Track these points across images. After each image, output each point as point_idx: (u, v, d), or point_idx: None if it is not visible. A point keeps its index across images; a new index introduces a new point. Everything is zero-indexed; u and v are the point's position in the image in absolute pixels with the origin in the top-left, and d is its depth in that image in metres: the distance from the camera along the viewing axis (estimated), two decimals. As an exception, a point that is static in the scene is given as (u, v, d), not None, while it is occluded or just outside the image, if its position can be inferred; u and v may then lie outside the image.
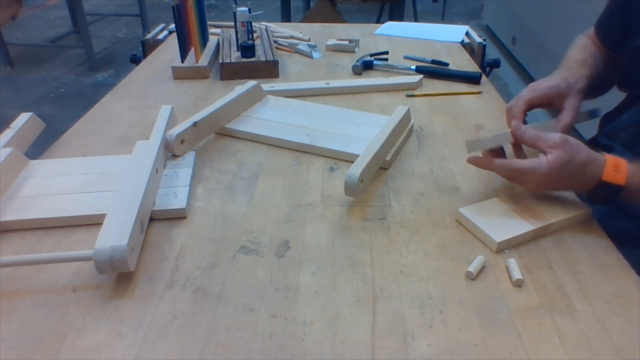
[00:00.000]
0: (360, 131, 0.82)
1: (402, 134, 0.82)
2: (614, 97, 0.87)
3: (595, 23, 0.89)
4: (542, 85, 0.77)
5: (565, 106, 0.76)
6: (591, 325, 0.50)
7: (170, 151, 0.77)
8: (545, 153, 0.60)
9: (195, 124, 0.78)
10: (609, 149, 0.80)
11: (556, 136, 0.60)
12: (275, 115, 0.89)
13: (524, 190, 0.66)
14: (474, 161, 0.66)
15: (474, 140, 0.66)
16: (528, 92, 0.77)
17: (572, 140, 0.60)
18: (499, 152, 0.67)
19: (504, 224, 0.61)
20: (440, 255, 0.59)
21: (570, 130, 0.74)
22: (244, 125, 0.86)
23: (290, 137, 0.82)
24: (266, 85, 1.01)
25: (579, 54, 0.85)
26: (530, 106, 0.77)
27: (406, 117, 0.83)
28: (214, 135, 0.86)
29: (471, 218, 0.62)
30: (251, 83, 0.92)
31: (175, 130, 0.76)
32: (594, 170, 0.60)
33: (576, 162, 0.59)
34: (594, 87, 0.82)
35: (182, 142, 0.77)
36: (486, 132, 0.88)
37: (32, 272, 0.56)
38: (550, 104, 0.78)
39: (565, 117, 0.75)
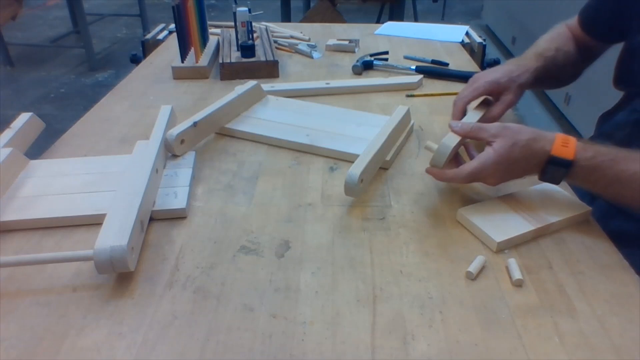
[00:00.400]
0: (360, 131, 0.82)
1: (402, 134, 0.82)
2: (612, 96, 0.87)
3: (580, 11, 0.89)
4: (482, 81, 0.78)
5: (500, 99, 0.78)
6: (591, 325, 0.50)
7: (170, 151, 0.77)
8: (490, 144, 0.61)
9: (195, 124, 0.78)
10: None
11: (495, 125, 0.62)
12: (275, 115, 0.89)
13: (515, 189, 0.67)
14: (431, 174, 0.66)
15: (435, 156, 0.65)
16: (469, 90, 0.78)
17: (511, 125, 0.62)
18: (455, 159, 0.68)
19: (504, 224, 0.61)
20: (440, 255, 0.59)
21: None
22: (244, 125, 0.86)
23: (291, 137, 0.82)
24: (266, 85, 1.01)
25: (544, 43, 0.87)
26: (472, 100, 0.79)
27: (406, 117, 0.83)
28: (214, 135, 0.86)
29: (471, 218, 0.62)
30: (251, 83, 0.92)
31: (175, 130, 0.76)
32: (543, 145, 0.60)
33: (521, 142, 0.60)
34: (549, 79, 0.85)
35: (182, 142, 0.77)
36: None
37: (32, 272, 0.56)
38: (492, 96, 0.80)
39: (494, 110, 0.77)
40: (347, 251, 0.59)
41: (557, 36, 0.89)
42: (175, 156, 0.76)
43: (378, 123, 0.81)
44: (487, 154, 0.61)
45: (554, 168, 0.60)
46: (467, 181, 0.64)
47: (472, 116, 0.76)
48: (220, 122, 0.85)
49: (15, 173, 0.71)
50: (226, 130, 0.86)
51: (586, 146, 0.60)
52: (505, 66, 0.81)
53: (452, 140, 0.64)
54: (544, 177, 0.62)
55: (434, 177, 0.66)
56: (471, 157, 0.67)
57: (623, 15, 0.79)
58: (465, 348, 0.47)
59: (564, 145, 0.60)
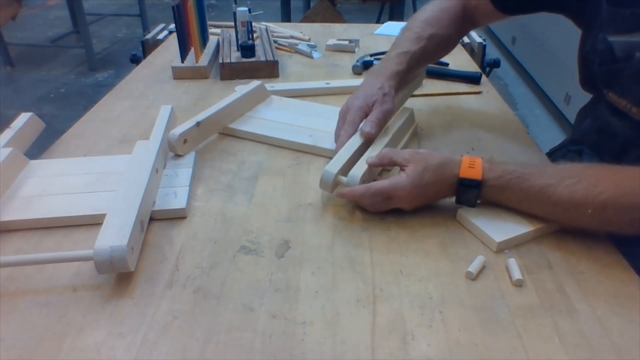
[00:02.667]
0: None
1: (405, 135, 0.81)
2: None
3: None
4: (353, 113, 0.74)
5: (368, 117, 0.74)
6: (591, 325, 0.50)
7: (173, 151, 0.76)
8: (402, 169, 0.63)
9: (198, 124, 0.78)
10: (579, 153, 0.80)
11: (406, 150, 0.65)
12: (278, 115, 0.89)
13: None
14: (341, 195, 0.66)
15: (345, 186, 0.65)
16: (347, 127, 0.73)
17: (421, 150, 0.65)
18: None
19: (504, 224, 0.61)
20: (440, 255, 0.59)
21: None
22: (247, 126, 0.86)
23: (294, 138, 0.82)
24: (266, 85, 1.01)
25: (413, 35, 0.82)
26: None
27: (410, 118, 0.83)
28: (217, 135, 0.85)
29: (471, 218, 0.62)
30: (255, 83, 0.92)
31: (178, 130, 0.75)
32: (452, 169, 0.62)
33: (432, 166, 0.62)
34: (420, 66, 0.85)
35: (184, 141, 0.76)
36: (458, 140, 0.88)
37: (32, 272, 0.56)
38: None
39: (364, 126, 0.73)
40: (347, 251, 0.59)
41: (436, 20, 0.85)
42: (177, 156, 0.76)
43: None
44: (400, 177, 0.63)
45: (465, 190, 0.62)
46: (374, 200, 0.64)
47: (378, 143, 0.72)
48: (224, 122, 0.85)
49: (15, 173, 0.71)
50: (229, 130, 0.86)
51: (492, 166, 0.62)
52: (365, 87, 0.77)
53: (360, 170, 0.65)
54: (459, 200, 0.64)
55: (346, 198, 0.66)
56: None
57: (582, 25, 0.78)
58: (465, 348, 0.47)
59: (470, 167, 0.62)
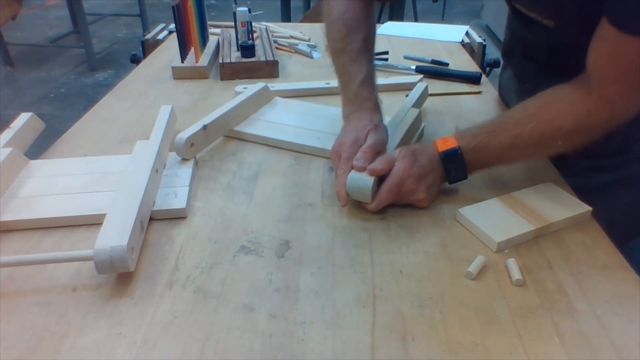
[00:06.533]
0: None
1: (412, 139, 0.81)
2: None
3: None
4: (349, 149, 0.68)
5: (362, 148, 0.70)
6: (591, 325, 0.50)
7: (180, 155, 0.75)
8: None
9: (205, 127, 0.78)
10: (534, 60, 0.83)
11: (394, 152, 0.67)
12: (283, 117, 0.88)
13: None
14: (374, 209, 0.65)
15: (361, 196, 0.64)
16: (342, 167, 0.68)
17: (402, 147, 0.68)
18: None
19: (503, 224, 0.61)
20: (440, 255, 0.59)
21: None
22: (253, 128, 0.85)
23: (300, 140, 0.81)
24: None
25: (349, 57, 0.76)
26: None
27: (418, 119, 0.82)
28: (222, 138, 0.85)
29: (471, 218, 0.62)
30: (259, 85, 0.91)
31: (185, 134, 0.74)
32: (432, 149, 0.66)
33: (417, 149, 0.66)
34: (372, 55, 0.79)
35: (192, 145, 0.76)
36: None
37: (32, 272, 0.56)
38: None
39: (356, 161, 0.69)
40: (347, 251, 0.59)
41: (355, 23, 0.77)
42: (184, 160, 0.75)
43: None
44: (396, 166, 0.65)
45: (450, 163, 0.66)
46: (391, 197, 0.64)
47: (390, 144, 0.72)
48: (230, 124, 0.84)
49: (15, 173, 0.71)
50: (235, 133, 0.85)
51: (461, 134, 0.66)
52: (352, 125, 0.72)
53: (370, 178, 0.64)
54: (449, 176, 0.67)
55: (379, 208, 0.65)
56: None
57: None
58: (465, 348, 0.47)
59: (444, 142, 0.66)
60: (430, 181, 0.66)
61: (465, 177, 0.67)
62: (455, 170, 0.66)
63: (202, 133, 0.78)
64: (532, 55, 0.81)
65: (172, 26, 1.42)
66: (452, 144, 0.65)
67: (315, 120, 0.87)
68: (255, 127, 0.86)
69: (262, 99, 0.92)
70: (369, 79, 0.76)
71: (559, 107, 0.63)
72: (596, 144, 0.61)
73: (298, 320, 0.50)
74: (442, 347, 0.47)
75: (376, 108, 0.74)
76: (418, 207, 0.67)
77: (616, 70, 0.58)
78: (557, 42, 0.74)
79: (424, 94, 0.90)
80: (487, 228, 0.60)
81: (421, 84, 0.92)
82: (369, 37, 0.79)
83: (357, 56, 0.76)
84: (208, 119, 0.79)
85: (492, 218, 0.62)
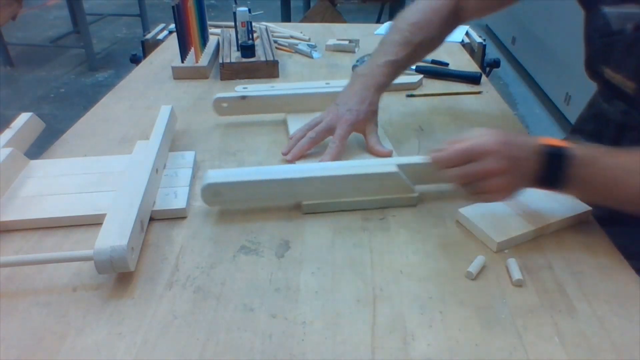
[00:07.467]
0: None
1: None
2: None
3: None
4: (346, 126, 0.73)
5: (367, 132, 0.76)
6: (591, 325, 0.50)
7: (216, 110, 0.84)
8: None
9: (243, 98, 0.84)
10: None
11: (470, 134, 0.57)
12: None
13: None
14: (437, 158, 0.58)
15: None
16: (335, 141, 0.73)
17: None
18: None
19: (504, 224, 0.61)
20: (440, 255, 0.59)
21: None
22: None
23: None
24: (266, 86, 1.01)
25: (402, 39, 0.79)
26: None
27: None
28: (216, 134, 0.85)
29: (471, 218, 0.62)
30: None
31: (221, 94, 0.84)
32: (533, 139, 0.56)
33: (508, 133, 0.56)
34: (409, 65, 0.83)
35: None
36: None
37: (32, 272, 0.56)
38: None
39: (371, 142, 0.76)
40: (347, 251, 0.59)
41: (426, 22, 0.80)
42: (184, 159, 0.75)
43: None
44: (479, 133, 0.55)
45: (552, 161, 0.54)
46: (456, 159, 0.55)
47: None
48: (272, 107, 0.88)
49: (15, 173, 0.71)
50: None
51: (574, 144, 0.56)
52: (353, 96, 0.76)
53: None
54: (543, 177, 0.55)
55: (440, 162, 0.58)
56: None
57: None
58: (465, 348, 0.47)
59: (550, 140, 0.56)
60: (517, 171, 0.54)
61: (561, 187, 0.56)
62: (553, 171, 0.54)
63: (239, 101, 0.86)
64: (602, 133, 0.76)
65: (172, 26, 1.42)
66: (560, 143, 0.55)
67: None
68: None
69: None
70: (396, 67, 0.78)
71: None
72: None
73: (298, 320, 0.50)
74: (442, 347, 0.47)
75: (380, 89, 0.77)
76: (483, 199, 0.57)
77: None
78: (631, 120, 0.70)
79: None
80: (487, 228, 0.60)
81: None
82: (425, 44, 0.81)
83: (404, 43, 0.79)
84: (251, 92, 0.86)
85: (493, 218, 0.62)
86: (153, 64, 1.19)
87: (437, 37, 0.83)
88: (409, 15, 0.82)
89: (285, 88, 1.00)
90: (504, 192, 0.56)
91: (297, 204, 0.66)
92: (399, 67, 0.79)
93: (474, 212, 0.63)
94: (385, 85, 0.78)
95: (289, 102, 0.89)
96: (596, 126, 0.78)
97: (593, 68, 0.77)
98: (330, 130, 0.75)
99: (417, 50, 0.80)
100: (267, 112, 0.90)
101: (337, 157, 0.73)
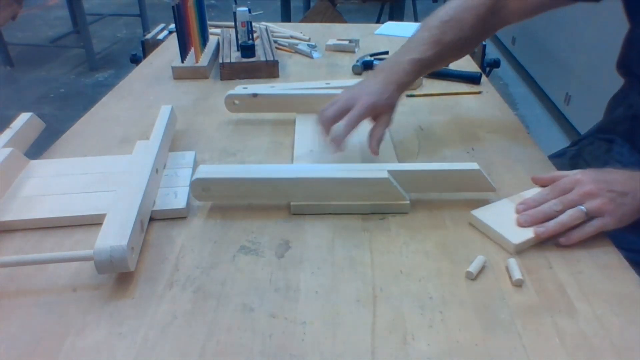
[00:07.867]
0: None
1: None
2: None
3: None
4: (363, 109, 0.68)
5: (379, 120, 0.71)
6: (591, 325, 0.50)
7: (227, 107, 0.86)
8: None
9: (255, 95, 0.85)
10: (609, 141, 0.81)
11: (574, 171, 0.61)
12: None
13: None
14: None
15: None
16: (354, 115, 0.68)
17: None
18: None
19: (516, 226, 0.61)
20: (440, 255, 0.59)
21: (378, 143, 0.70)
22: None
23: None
24: (266, 86, 1.01)
25: (428, 36, 0.76)
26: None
27: None
28: (216, 134, 0.85)
29: (486, 220, 0.61)
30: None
31: (233, 91, 0.85)
32: (633, 171, 0.59)
33: (609, 170, 0.59)
34: (437, 66, 0.79)
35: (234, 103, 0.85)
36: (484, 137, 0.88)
37: (32, 272, 0.56)
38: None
39: (376, 131, 0.70)
40: (347, 251, 0.59)
41: (459, 21, 0.76)
42: (184, 159, 0.75)
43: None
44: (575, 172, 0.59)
45: None
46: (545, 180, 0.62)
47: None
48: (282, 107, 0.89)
49: (15, 173, 0.71)
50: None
51: None
52: (375, 86, 0.71)
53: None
54: None
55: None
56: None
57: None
58: (465, 348, 0.47)
59: None
60: (623, 199, 0.57)
61: None
62: None
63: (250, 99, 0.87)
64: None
65: (172, 26, 1.42)
66: None
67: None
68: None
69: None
70: (422, 65, 0.74)
71: None
72: None
73: (298, 320, 0.50)
74: (442, 347, 0.47)
75: (402, 87, 0.73)
76: (595, 228, 0.58)
77: None
78: None
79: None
80: (503, 230, 0.60)
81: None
82: (456, 44, 0.76)
83: (433, 42, 0.74)
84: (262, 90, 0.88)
85: (506, 220, 0.61)
86: (153, 64, 1.19)
87: (471, 38, 0.77)
88: (442, 12, 0.77)
89: (288, 88, 1.00)
90: (613, 209, 0.58)
91: (288, 204, 0.66)
92: (423, 66, 0.75)
93: (487, 214, 0.62)
94: (406, 84, 0.74)
95: (300, 102, 0.89)
96: (633, 126, 0.77)
97: (627, 71, 0.80)
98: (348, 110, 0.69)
99: (446, 50, 0.75)
100: (278, 110, 0.91)
101: (345, 135, 0.67)
